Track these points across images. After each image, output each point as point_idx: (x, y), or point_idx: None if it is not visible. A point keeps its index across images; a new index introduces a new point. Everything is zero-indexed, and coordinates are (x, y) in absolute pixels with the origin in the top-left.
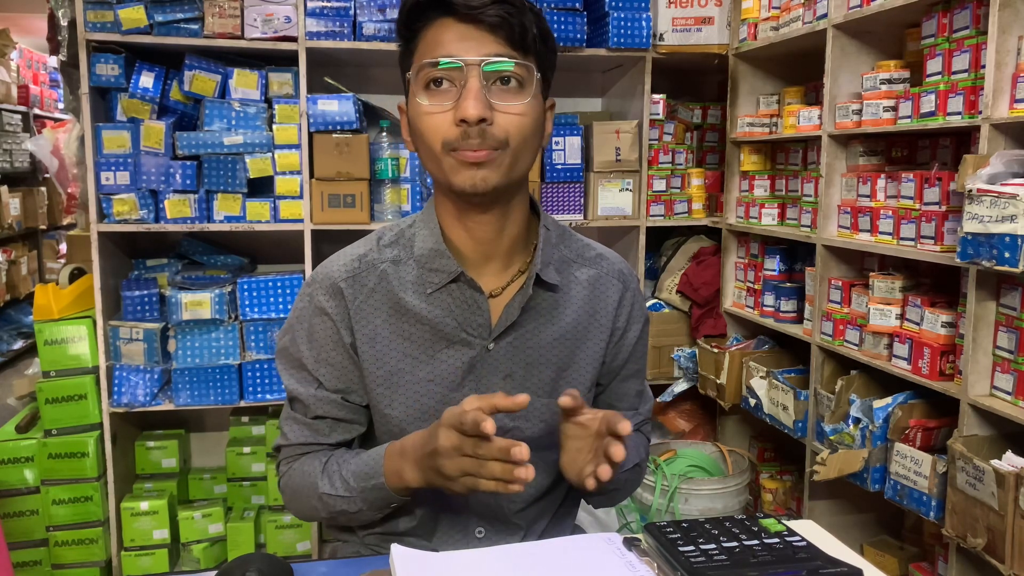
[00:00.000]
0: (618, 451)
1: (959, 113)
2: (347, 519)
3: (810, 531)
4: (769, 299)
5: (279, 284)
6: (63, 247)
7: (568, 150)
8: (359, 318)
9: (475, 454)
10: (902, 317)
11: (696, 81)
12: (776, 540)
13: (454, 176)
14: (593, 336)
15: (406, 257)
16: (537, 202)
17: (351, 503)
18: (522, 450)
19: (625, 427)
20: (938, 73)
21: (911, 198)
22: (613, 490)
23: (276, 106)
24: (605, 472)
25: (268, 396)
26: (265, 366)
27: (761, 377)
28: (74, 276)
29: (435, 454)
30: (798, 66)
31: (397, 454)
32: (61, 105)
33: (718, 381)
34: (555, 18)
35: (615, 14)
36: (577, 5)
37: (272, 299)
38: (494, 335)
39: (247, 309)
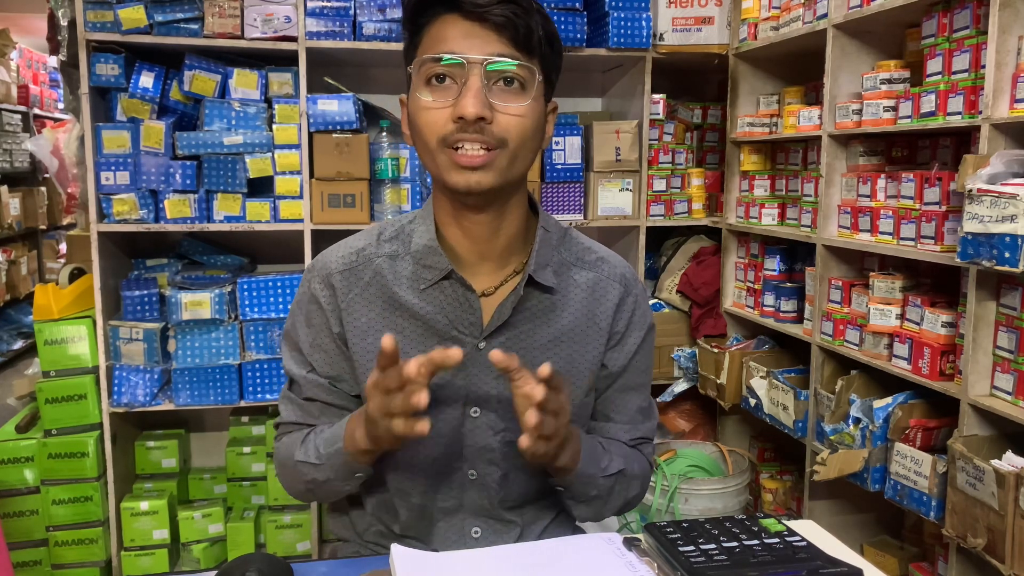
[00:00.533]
0: (531, 416)
1: (959, 113)
2: (323, 492)
3: (810, 531)
4: (769, 299)
5: (279, 284)
6: (63, 247)
7: (568, 150)
8: (350, 311)
9: (386, 387)
10: (902, 317)
11: (696, 81)
12: (776, 540)
13: (449, 174)
14: (591, 340)
15: (403, 252)
16: (537, 202)
17: (320, 471)
18: (410, 368)
19: (537, 388)
20: (938, 73)
21: (911, 198)
22: (594, 497)
23: (276, 106)
24: (524, 441)
25: (268, 396)
26: (265, 366)
27: (761, 377)
28: (74, 276)
29: (366, 399)
30: (798, 66)
31: (355, 417)
32: (61, 105)
33: (718, 381)
34: (555, 18)
35: (615, 14)
36: (577, 5)
37: (272, 299)
38: (485, 334)
39: (247, 309)
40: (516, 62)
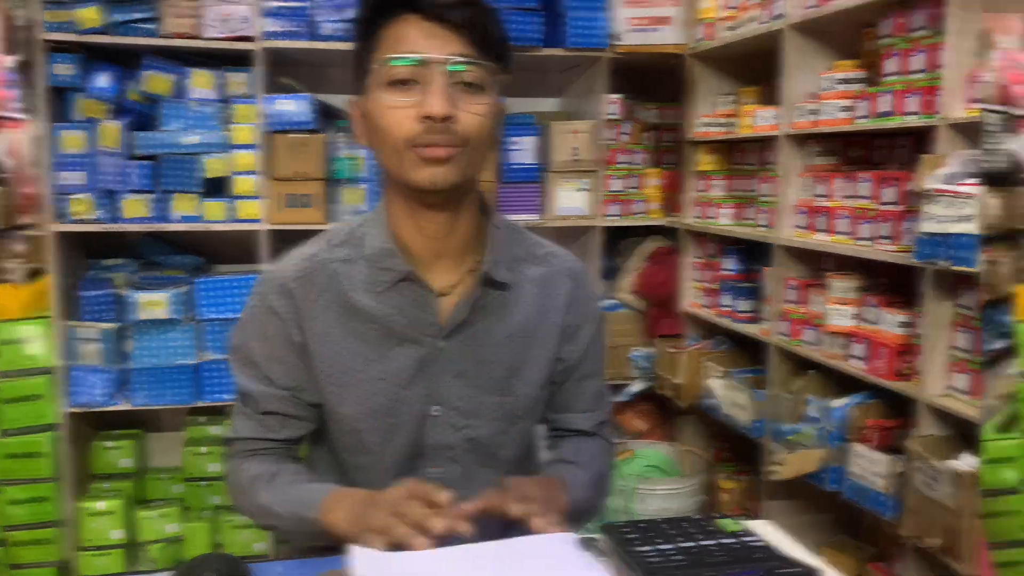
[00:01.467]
0: (537, 524)
1: (916, 113)
2: (275, 531)
3: (767, 531)
4: (726, 299)
5: (236, 284)
6: (20, 247)
7: (525, 150)
8: (309, 318)
9: (401, 512)
10: (859, 317)
11: (653, 81)
12: (732, 540)
13: (414, 172)
14: (544, 334)
15: (356, 256)
16: (488, 201)
17: (284, 522)
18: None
19: (515, 511)
20: (895, 73)
21: (868, 198)
22: (587, 509)
23: (233, 106)
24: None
25: (225, 396)
26: (222, 366)
27: (718, 377)
28: (31, 276)
29: (374, 503)
30: (755, 66)
31: (338, 497)
32: (18, 105)
33: (675, 381)
34: (512, 18)
35: (572, 14)
36: (534, 5)
37: (229, 299)
38: (444, 333)
39: (204, 309)
40: (477, 62)
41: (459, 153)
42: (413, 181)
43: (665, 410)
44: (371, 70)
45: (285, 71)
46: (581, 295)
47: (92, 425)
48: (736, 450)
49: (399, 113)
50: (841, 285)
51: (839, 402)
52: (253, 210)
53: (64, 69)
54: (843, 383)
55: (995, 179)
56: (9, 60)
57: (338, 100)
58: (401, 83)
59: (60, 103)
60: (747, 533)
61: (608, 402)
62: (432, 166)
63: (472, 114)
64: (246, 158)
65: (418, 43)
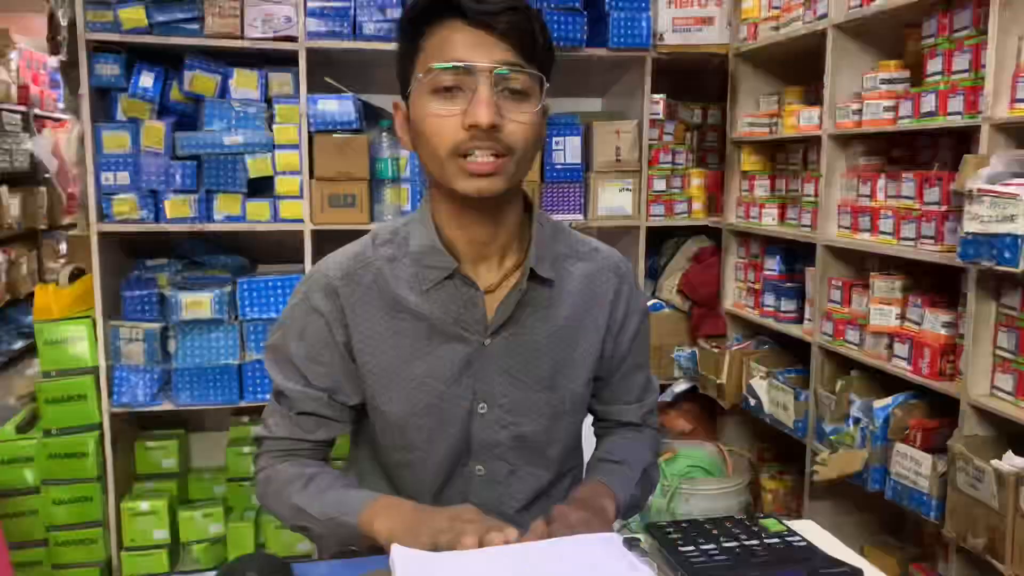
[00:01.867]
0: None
1: (959, 113)
2: (307, 534)
3: (810, 531)
4: (769, 299)
5: (279, 284)
6: (63, 247)
7: (568, 150)
8: (355, 316)
9: (460, 524)
10: (902, 317)
11: (696, 81)
12: (776, 540)
13: (459, 182)
14: (590, 330)
15: (401, 255)
16: (531, 199)
17: (318, 525)
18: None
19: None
20: (938, 73)
21: (911, 198)
22: (634, 505)
23: (276, 106)
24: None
25: (268, 396)
26: (264, 366)
27: (761, 377)
28: (74, 276)
29: (428, 513)
30: (798, 66)
31: (383, 505)
32: (61, 105)
33: (718, 381)
34: (555, 18)
35: (615, 14)
36: (577, 5)
37: (272, 299)
38: (490, 330)
39: (247, 309)
40: (522, 69)
41: (505, 162)
42: (458, 190)
43: (708, 410)
44: (415, 75)
45: (328, 71)
46: (626, 289)
47: (135, 425)
48: (779, 450)
49: (444, 121)
50: (884, 285)
51: (882, 402)
52: (296, 210)
53: (107, 69)
54: (886, 383)
55: None
56: (53, 60)
57: (381, 100)
58: (446, 90)
59: (103, 103)
60: (791, 533)
61: (654, 392)
62: (477, 178)
63: (518, 122)
64: (289, 158)
65: (463, 50)
